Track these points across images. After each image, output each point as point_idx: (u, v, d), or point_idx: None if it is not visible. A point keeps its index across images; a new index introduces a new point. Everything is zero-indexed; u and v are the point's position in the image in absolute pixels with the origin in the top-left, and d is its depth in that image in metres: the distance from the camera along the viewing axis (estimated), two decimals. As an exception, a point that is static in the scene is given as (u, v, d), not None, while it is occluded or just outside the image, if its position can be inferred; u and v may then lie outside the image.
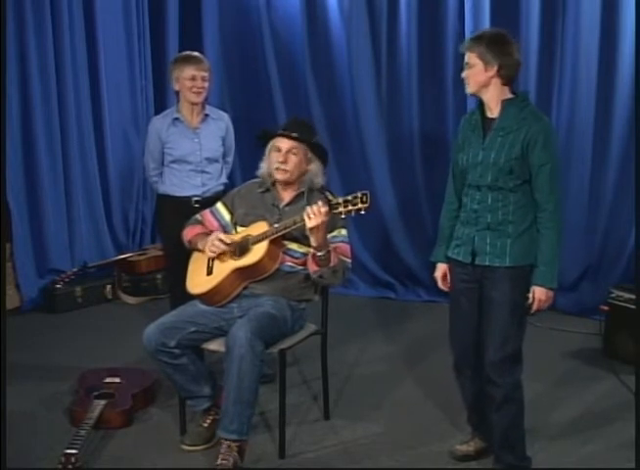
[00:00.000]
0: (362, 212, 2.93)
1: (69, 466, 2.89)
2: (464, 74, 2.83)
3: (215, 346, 3.17)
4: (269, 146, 3.32)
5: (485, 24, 4.85)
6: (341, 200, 2.95)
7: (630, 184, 4.54)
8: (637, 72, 4.44)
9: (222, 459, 2.96)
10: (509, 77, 2.80)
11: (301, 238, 3.17)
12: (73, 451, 2.94)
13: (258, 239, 3.17)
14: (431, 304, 5.15)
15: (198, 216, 3.46)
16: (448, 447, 3.18)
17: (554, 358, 4.22)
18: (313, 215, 2.96)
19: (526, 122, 2.76)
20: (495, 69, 2.75)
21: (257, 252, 3.15)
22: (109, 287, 5.41)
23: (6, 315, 4.65)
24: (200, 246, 3.31)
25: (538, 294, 2.81)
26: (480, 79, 2.78)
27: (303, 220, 3.00)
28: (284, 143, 3.26)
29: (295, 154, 3.26)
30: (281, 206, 3.31)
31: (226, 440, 2.98)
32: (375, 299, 5.40)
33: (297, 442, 3.28)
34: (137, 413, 3.51)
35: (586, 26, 4.65)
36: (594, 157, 4.79)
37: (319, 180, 3.33)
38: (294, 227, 3.10)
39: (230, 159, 4.17)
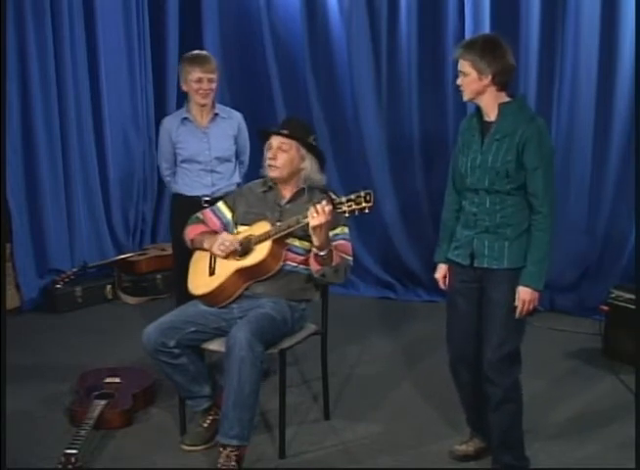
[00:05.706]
0: (366, 212, 2.91)
1: (69, 466, 2.89)
2: (459, 82, 2.83)
3: (215, 346, 3.16)
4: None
5: (485, 24, 4.85)
6: (344, 199, 2.93)
7: (630, 184, 4.54)
8: (637, 73, 4.43)
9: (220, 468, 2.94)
10: (504, 83, 2.79)
11: (303, 235, 3.15)
12: (73, 451, 2.94)
13: (261, 239, 3.16)
14: (431, 304, 5.14)
15: (199, 215, 3.45)
16: (448, 447, 3.18)
17: (554, 358, 4.22)
18: (316, 215, 2.94)
19: (521, 125, 2.76)
20: (490, 77, 2.75)
21: (260, 251, 3.14)
22: (109, 287, 5.41)
23: (6, 315, 4.65)
24: (205, 245, 3.27)
25: (523, 294, 2.79)
26: (475, 88, 2.78)
27: (306, 219, 2.99)
28: (274, 140, 3.26)
29: (284, 151, 3.24)
30: (282, 203, 3.30)
31: (226, 446, 2.96)
32: (375, 299, 5.39)
33: (296, 442, 3.28)
34: (137, 413, 3.51)
35: (586, 27, 4.65)
36: (594, 157, 4.79)
37: (318, 178, 3.30)
38: (297, 226, 3.08)
39: (244, 158, 4.14)
